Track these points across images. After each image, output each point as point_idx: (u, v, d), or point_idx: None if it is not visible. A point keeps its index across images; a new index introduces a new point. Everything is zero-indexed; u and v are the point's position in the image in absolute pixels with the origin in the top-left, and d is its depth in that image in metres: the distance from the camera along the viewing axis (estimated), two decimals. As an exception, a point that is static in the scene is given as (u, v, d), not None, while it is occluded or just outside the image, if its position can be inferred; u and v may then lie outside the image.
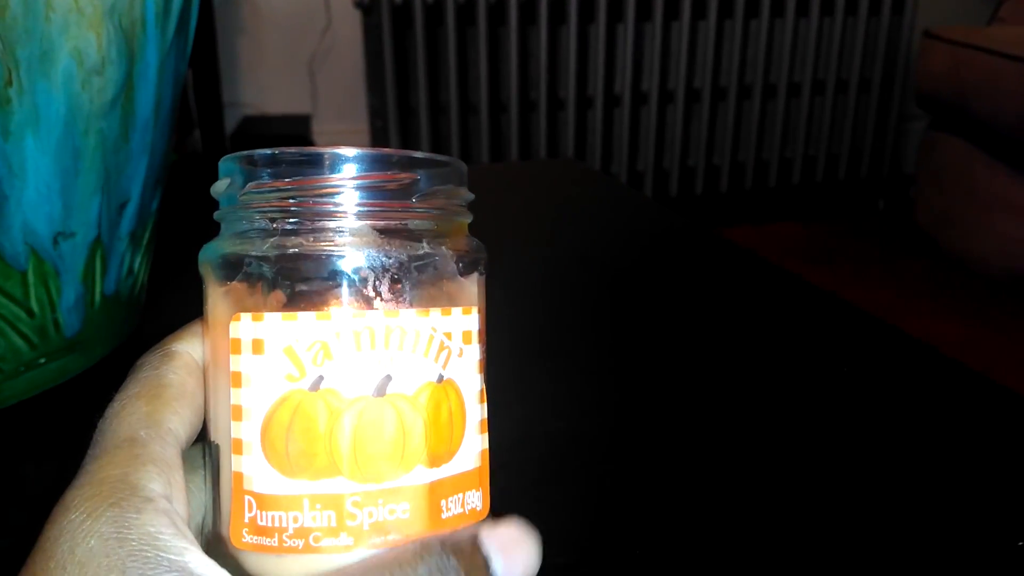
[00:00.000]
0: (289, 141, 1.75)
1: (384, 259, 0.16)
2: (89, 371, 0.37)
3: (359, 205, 0.16)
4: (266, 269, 0.16)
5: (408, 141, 1.83)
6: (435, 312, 0.17)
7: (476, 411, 0.17)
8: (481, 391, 0.18)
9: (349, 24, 1.88)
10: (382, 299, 0.16)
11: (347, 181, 0.16)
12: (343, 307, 0.16)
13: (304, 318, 0.16)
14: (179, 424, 0.17)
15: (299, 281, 0.16)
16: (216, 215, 0.18)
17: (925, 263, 1.78)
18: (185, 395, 0.17)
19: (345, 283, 0.16)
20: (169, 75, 0.36)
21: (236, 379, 0.16)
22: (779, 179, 2.04)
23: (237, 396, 0.16)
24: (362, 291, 0.16)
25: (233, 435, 0.16)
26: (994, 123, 1.55)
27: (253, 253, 0.16)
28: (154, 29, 0.34)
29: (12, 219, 0.31)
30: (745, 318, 0.44)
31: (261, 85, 1.92)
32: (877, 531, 0.28)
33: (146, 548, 0.14)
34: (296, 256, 0.16)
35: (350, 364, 0.16)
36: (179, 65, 0.38)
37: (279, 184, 0.16)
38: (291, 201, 0.16)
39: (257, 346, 0.16)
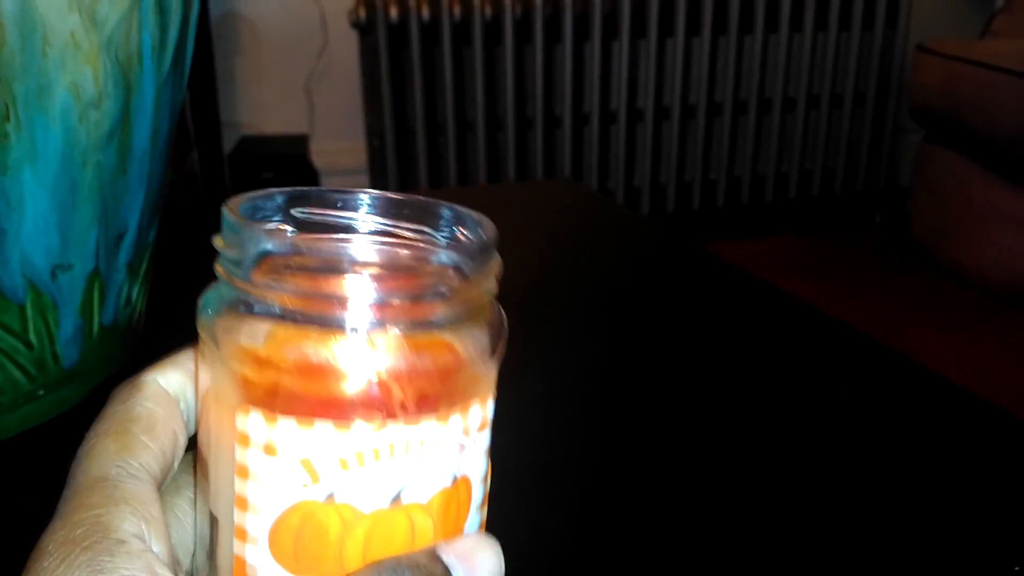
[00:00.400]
0: (287, 160, 1.76)
1: (408, 365, 0.15)
2: (87, 400, 0.37)
3: (382, 305, 0.15)
4: (278, 359, 0.15)
5: (405, 160, 1.84)
6: (455, 417, 0.16)
7: (480, 492, 0.17)
8: (487, 472, 0.17)
9: (346, 44, 1.89)
10: (404, 409, 0.15)
11: (371, 278, 0.15)
12: (362, 419, 0.15)
13: (321, 429, 0.15)
14: (150, 458, 0.17)
15: (314, 384, 0.15)
16: (216, 269, 0.16)
17: (922, 276, 1.79)
18: (155, 427, 0.17)
19: (365, 392, 0.15)
20: (165, 106, 0.37)
21: (242, 471, 0.16)
22: (776, 193, 2.04)
23: (243, 487, 0.16)
24: (385, 402, 0.15)
25: (237, 521, 0.16)
26: (988, 136, 1.56)
27: (263, 351, 0.15)
28: (150, 62, 0.34)
29: (10, 252, 0.31)
30: (741, 339, 0.45)
31: (259, 105, 1.93)
32: (874, 556, 0.28)
33: None
34: (309, 360, 0.15)
35: (366, 478, 0.15)
36: (175, 96, 0.38)
37: (293, 274, 0.15)
38: (305, 297, 0.15)
39: (269, 449, 0.15)
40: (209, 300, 0.16)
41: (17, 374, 0.33)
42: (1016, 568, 0.27)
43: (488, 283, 0.17)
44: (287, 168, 1.75)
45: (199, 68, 1.67)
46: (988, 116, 1.53)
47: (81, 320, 0.35)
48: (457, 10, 1.73)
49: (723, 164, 1.99)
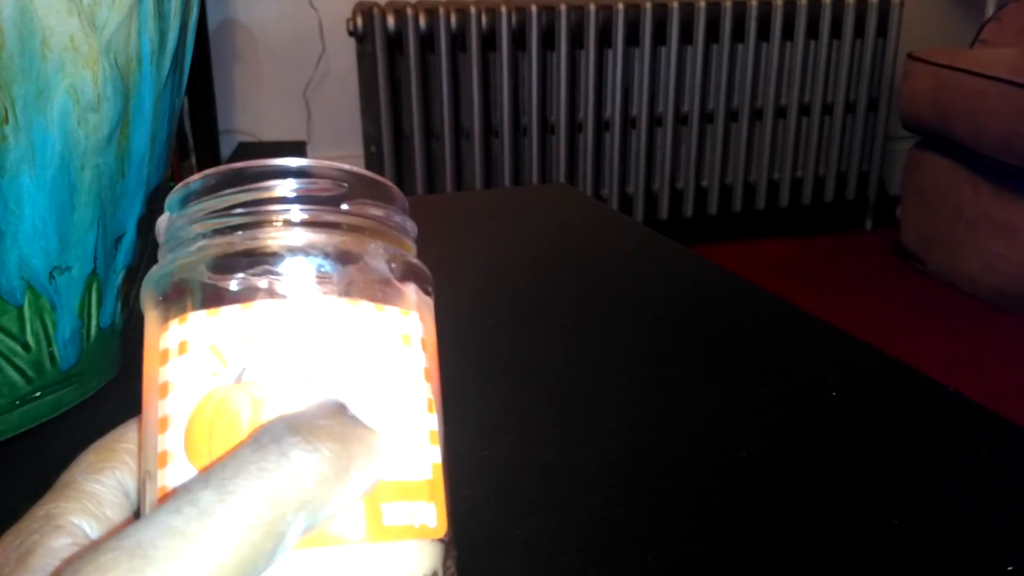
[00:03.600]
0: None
1: (311, 249, 0.16)
2: (85, 402, 0.37)
3: (289, 209, 0.16)
4: (194, 273, 0.16)
5: (402, 165, 1.84)
6: (366, 304, 0.16)
7: (423, 420, 0.17)
8: (429, 400, 0.17)
9: (343, 52, 1.90)
10: (310, 290, 0.16)
11: (277, 189, 0.16)
12: (269, 299, 0.16)
13: (228, 312, 0.16)
14: (127, 475, 0.17)
15: (227, 278, 0.16)
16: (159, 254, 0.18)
17: (912, 281, 1.80)
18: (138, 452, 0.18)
19: (273, 276, 0.16)
20: (164, 110, 0.37)
21: (164, 389, 0.16)
22: (767, 201, 2.05)
23: (163, 407, 0.16)
24: (290, 283, 0.16)
25: (159, 449, 0.15)
26: (977, 143, 1.57)
27: (181, 260, 0.16)
28: (149, 66, 0.35)
29: (8, 255, 0.32)
30: (735, 342, 0.45)
31: (256, 112, 1.94)
32: (867, 557, 0.28)
33: (31, 551, 0.14)
34: (222, 255, 0.16)
35: (274, 353, 0.15)
36: (174, 100, 0.38)
37: (210, 197, 0.17)
38: (221, 209, 0.16)
39: (182, 347, 0.16)
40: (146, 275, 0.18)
41: (15, 376, 0.34)
42: (1009, 568, 0.28)
43: (394, 217, 0.18)
44: (283, 175, 1.75)
45: (197, 75, 1.68)
46: (977, 124, 1.54)
47: (79, 322, 0.35)
48: (453, 19, 1.74)
49: (715, 172, 2.00)
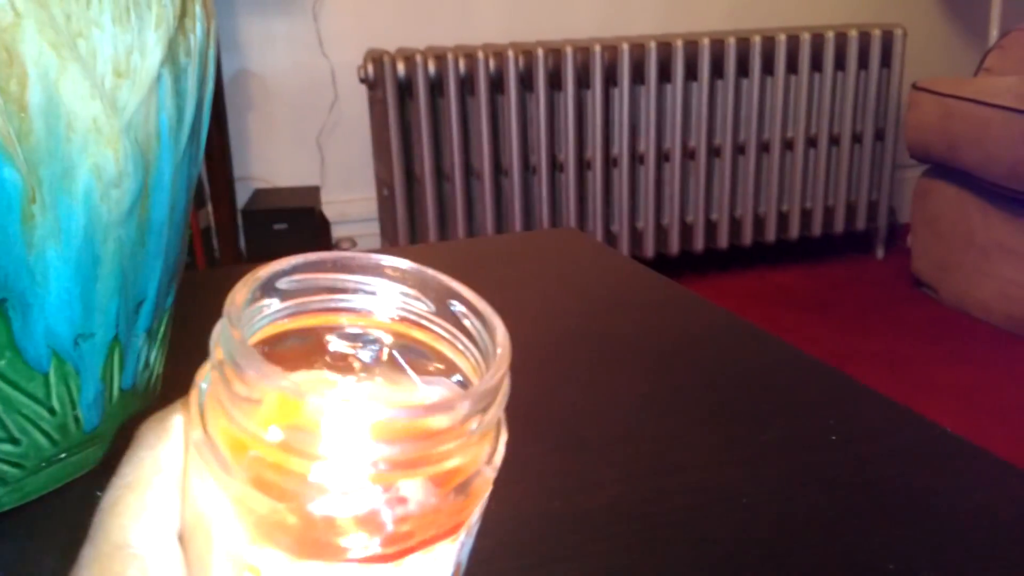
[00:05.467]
0: (299, 212, 1.80)
1: (433, 507, 0.15)
2: (107, 459, 0.38)
3: (400, 463, 0.14)
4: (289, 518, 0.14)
5: (414, 207, 1.87)
6: (464, 533, 0.17)
7: None
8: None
9: (355, 98, 1.95)
10: (424, 543, 0.15)
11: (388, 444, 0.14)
12: (382, 562, 0.15)
13: (344, 568, 0.15)
14: (174, 515, 0.17)
15: (331, 535, 0.14)
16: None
17: (926, 310, 1.79)
18: (181, 478, 0.17)
19: (389, 537, 0.15)
20: (183, 180, 0.39)
21: None
22: (777, 233, 2.06)
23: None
24: (406, 543, 0.15)
25: None
26: (985, 171, 1.57)
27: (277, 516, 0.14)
28: (168, 140, 0.37)
29: (35, 325, 0.33)
30: (738, 388, 0.46)
31: (271, 159, 1.98)
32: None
33: None
34: (332, 519, 0.14)
35: None
36: (191, 170, 0.40)
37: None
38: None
39: None
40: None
41: (41, 439, 0.35)
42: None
43: (497, 411, 0.16)
44: (299, 220, 1.78)
45: (213, 124, 1.72)
46: (984, 152, 1.55)
47: (102, 385, 0.37)
48: (462, 64, 1.78)
49: (724, 206, 2.01)
